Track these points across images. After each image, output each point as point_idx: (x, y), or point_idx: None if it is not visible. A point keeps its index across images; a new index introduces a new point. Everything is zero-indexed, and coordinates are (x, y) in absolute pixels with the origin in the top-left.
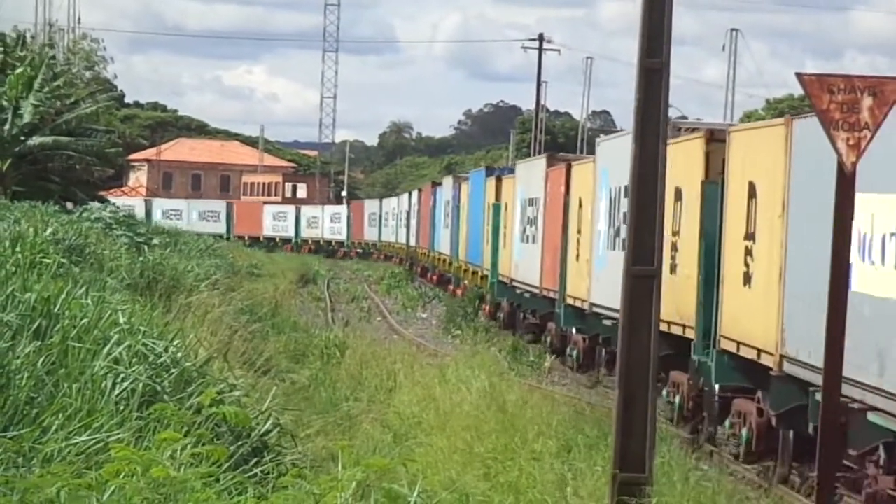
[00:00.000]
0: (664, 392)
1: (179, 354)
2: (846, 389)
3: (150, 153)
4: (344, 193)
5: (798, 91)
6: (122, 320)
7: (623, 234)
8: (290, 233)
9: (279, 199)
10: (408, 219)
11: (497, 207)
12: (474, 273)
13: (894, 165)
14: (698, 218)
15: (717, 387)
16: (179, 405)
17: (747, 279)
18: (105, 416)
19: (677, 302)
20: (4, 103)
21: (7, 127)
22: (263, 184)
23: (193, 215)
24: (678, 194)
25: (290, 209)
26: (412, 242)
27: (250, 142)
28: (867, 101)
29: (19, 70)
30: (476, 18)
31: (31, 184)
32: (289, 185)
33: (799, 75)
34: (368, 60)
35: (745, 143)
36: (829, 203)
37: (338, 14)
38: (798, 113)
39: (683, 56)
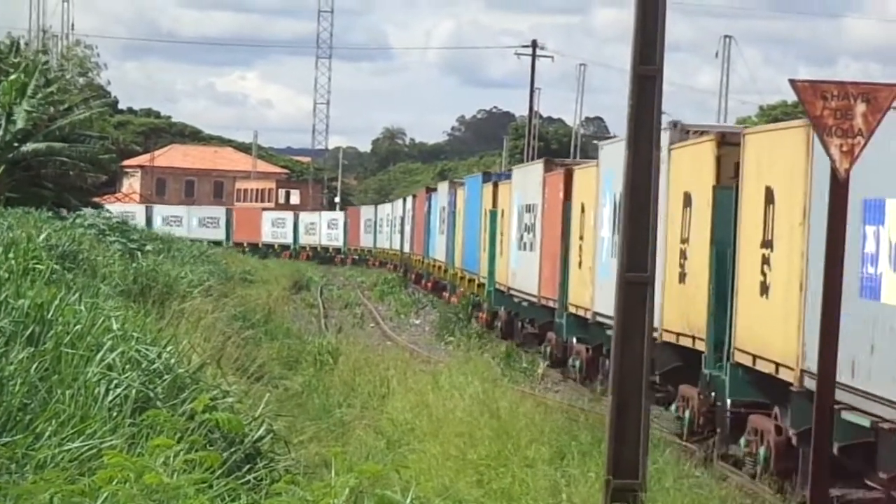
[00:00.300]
0: (673, 406)
1: (172, 361)
2: (878, 409)
3: (143, 159)
4: (337, 200)
5: (792, 97)
6: (115, 326)
7: None
8: (289, 239)
9: (272, 205)
10: (402, 225)
11: (494, 214)
12: (471, 281)
13: None
14: (709, 225)
15: (728, 402)
16: (172, 411)
17: (764, 289)
18: (98, 423)
19: (686, 312)
20: None
21: (0, 133)
22: (257, 190)
23: (193, 222)
24: (687, 200)
25: (289, 215)
26: (406, 249)
27: (243, 148)
28: (861, 108)
29: (13, 76)
30: (469, 25)
31: (24, 190)
32: (282, 192)
33: (792, 82)
34: (362, 67)
35: (761, 146)
36: (855, 209)
37: (331, 21)
38: None
39: (677, 63)
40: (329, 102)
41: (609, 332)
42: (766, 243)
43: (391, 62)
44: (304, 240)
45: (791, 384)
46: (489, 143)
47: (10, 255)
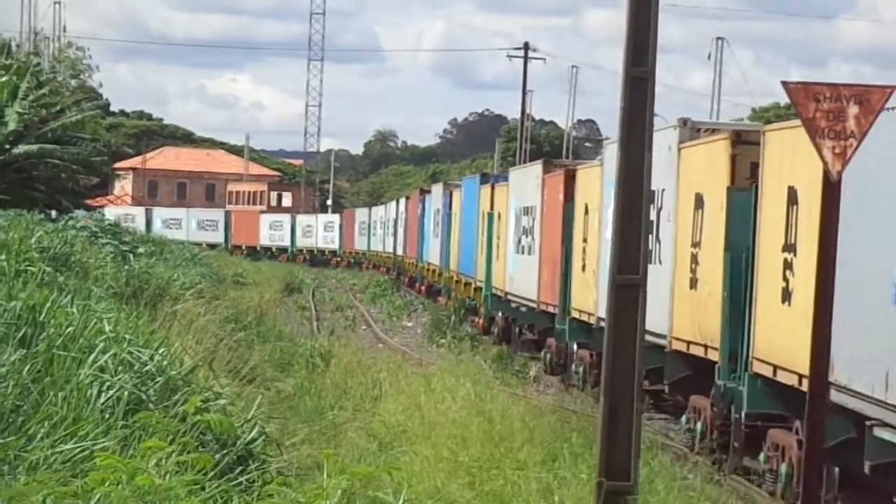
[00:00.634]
0: (683, 418)
1: (165, 363)
2: None
3: (135, 162)
4: (329, 202)
5: (784, 99)
6: (107, 328)
7: None
8: (287, 242)
9: (264, 207)
10: (395, 227)
11: (491, 216)
12: (467, 285)
13: None
14: (724, 228)
15: (744, 414)
16: (165, 413)
17: (786, 296)
18: (90, 424)
19: (698, 319)
20: None
21: None
22: (249, 192)
23: (192, 224)
24: (699, 202)
25: (286, 218)
26: (399, 252)
27: (235, 150)
28: (853, 110)
29: (4, 78)
30: (461, 27)
31: (16, 192)
32: (274, 194)
33: (785, 84)
34: (353, 69)
35: (784, 144)
36: (891, 210)
37: (323, 23)
38: None
39: (669, 64)
40: (321, 105)
41: None
42: (789, 247)
43: (383, 64)
44: (301, 242)
45: None
46: (481, 145)
47: (3, 257)
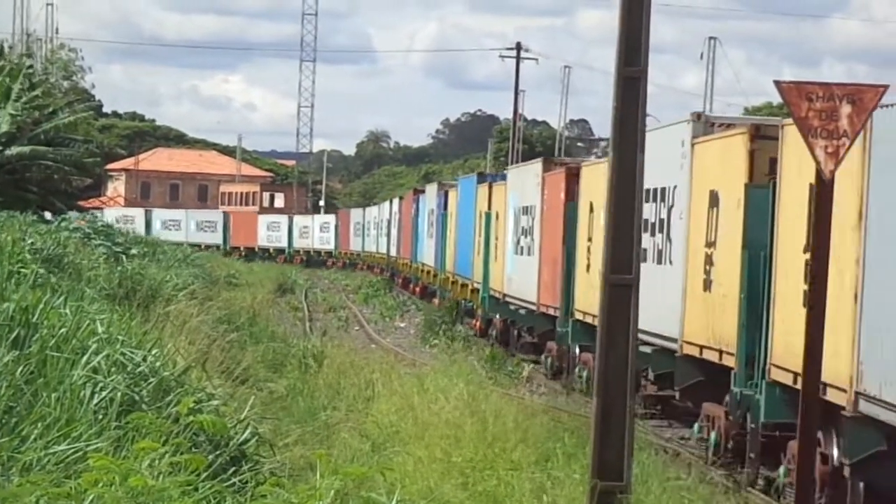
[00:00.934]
0: (695, 427)
1: (158, 364)
2: None
3: (128, 163)
4: (321, 203)
5: (776, 99)
6: (100, 330)
7: (643, 243)
8: (284, 243)
9: (257, 208)
10: (388, 228)
11: (489, 216)
12: (463, 286)
13: None
14: (741, 227)
15: (761, 424)
16: (158, 414)
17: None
18: (84, 426)
19: (712, 323)
20: None
21: None
22: (241, 193)
23: (192, 225)
24: (714, 199)
25: (283, 219)
26: (393, 252)
27: (228, 151)
28: (846, 109)
29: None
30: (453, 28)
31: (8, 194)
32: (266, 195)
33: (777, 83)
34: (345, 70)
35: None
36: None
37: (315, 24)
38: None
39: (662, 64)
40: (313, 105)
41: None
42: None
43: (375, 65)
44: (298, 243)
45: (842, 408)
46: (474, 145)
47: None
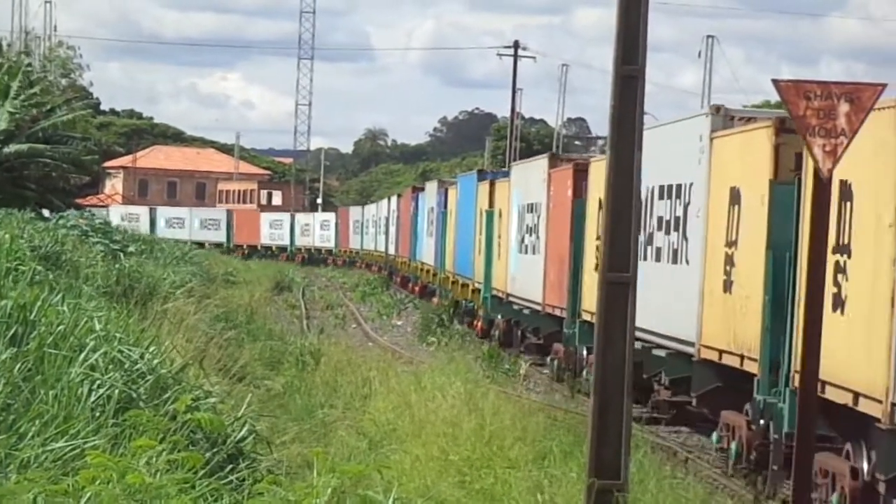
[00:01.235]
0: (714, 435)
1: (155, 361)
2: None
3: (125, 160)
4: (319, 201)
5: (774, 97)
6: (98, 327)
7: (657, 241)
8: (286, 241)
9: (255, 206)
10: (386, 226)
11: (490, 215)
12: (464, 286)
13: None
14: (765, 226)
15: (785, 434)
16: (155, 412)
17: (839, 303)
18: (81, 423)
19: (733, 326)
20: None
21: None
22: (239, 191)
23: (196, 223)
24: (735, 197)
25: (286, 217)
26: (391, 251)
27: (226, 149)
28: (844, 108)
29: None
30: (451, 26)
31: (7, 191)
32: (264, 193)
33: (775, 82)
34: (343, 68)
35: None
36: None
37: (313, 21)
38: None
39: (660, 63)
40: (311, 103)
41: (635, 345)
42: (841, 248)
43: (373, 63)
44: (300, 241)
45: (877, 419)
46: (471, 143)
47: None
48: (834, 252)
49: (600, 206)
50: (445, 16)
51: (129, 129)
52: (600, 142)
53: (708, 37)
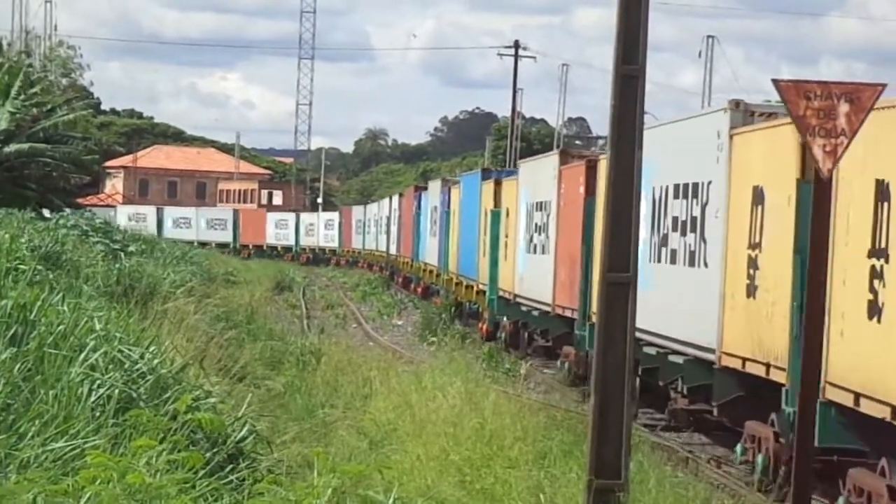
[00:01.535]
0: (738, 448)
1: (155, 361)
2: None
3: (126, 160)
4: (319, 201)
5: (774, 97)
6: (98, 327)
7: (672, 243)
8: (291, 241)
9: (255, 206)
10: (388, 225)
11: (496, 214)
12: (468, 287)
13: None
14: (792, 228)
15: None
16: (155, 412)
17: (875, 310)
18: (81, 423)
19: (758, 333)
20: None
21: None
22: (239, 191)
23: (202, 223)
24: (758, 197)
25: (291, 216)
26: (392, 251)
27: (226, 149)
28: (844, 108)
29: None
30: (451, 26)
31: (7, 191)
32: (265, 192)
33: (775, 81)
34: (344, 67)
35: (870, 129)
36: None
37: (313, 21)
38: None
39: (660, 62)
40: (311, 103)
41: (649, 351)
42: (878, 252)
43: (373, 63)
44: (305, 241)
45: None
46: (472, 143)
47: None
48: (870, 256)
49: None
50: (445, 16)
51: (130, 128)
52: (601, 141)
53: (708, 37)
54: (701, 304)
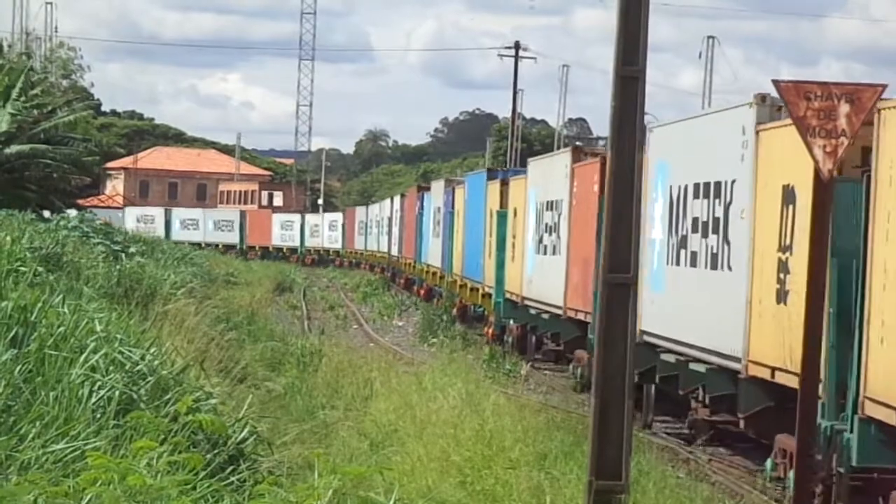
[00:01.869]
0: (768, 463)
1: (156, 362)
2: None
3: (126, 161)
4: (320, 202)
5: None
6: (98, 328)
7: (692, 244)
8: (297, 242)
9: (255, 207)
10: (390, 226)
11: (503, 215)
12: (473, 290)
13: None
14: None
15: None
16: (156, 413)
17: None
18: (82, 424)
19: (789, 341)
20: None
21: None
22: (240, 192)
23: (209, 225)
24: (788, 196)
25: (296, 218)
26: (394, 252)
27: (227, 150)
28: (844, 108)
29: None
30: (451, 27)
31: (8, 192)
32: (265, 194)
33: (776, 82)
34: (344, 69)
35: None
36: None
37: (314, 22)
38: None
39: (660, 63)
40: (312, 104)
41: (666, 358)
42: None
43: (374, 64)
44: (310, 242)
45: None
46: (472, 144)
47: None
48: None
49: None
50: (446, 17)
51: (130, 130)
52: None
53: (708, 37)
54: (724, 310)
